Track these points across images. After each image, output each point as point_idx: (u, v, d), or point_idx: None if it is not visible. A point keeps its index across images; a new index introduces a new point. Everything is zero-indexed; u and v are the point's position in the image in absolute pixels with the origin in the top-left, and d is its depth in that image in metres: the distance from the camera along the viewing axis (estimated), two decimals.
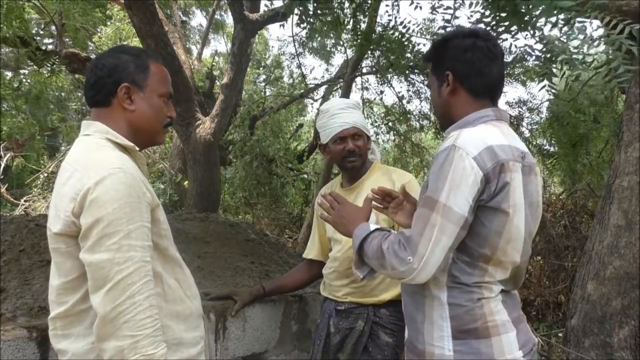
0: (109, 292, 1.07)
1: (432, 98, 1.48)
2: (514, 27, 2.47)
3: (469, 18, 2.68)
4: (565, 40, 2.38)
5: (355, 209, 1.47)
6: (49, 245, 1.21)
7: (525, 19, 2.35)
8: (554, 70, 2.49)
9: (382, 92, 8.23)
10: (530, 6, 2.28)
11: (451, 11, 2.75)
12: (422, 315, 1.32)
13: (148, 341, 1.08)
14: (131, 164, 1.19)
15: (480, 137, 1.24)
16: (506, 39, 2.60)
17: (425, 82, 7.94)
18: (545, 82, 2.46)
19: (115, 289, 1.07)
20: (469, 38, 1.36)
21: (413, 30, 3.64)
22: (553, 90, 2.56)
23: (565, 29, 2.30)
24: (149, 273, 1.12)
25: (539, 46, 2.53)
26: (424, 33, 7.28)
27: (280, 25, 5.14)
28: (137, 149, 1.29)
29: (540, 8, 2.20)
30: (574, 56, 2.36)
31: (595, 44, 2.31)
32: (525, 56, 2.64)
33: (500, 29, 2.51)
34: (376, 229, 1.35)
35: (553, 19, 2.26)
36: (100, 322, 1.07)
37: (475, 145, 1.22)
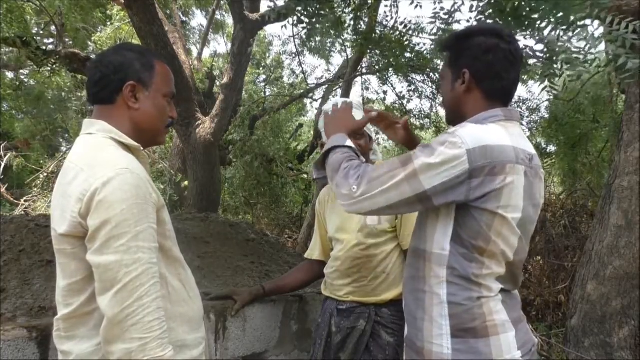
0: (117, 294, 1.06)
1: (444, 90, 1.45)
2: (514, 29, 2.46)
3: (468, 21, 2.68)
4: (566, 41, 2.38)
5: (348, 118, 1.54)
6: (54, 246, 1.19)
7: (527, 21, 2.34)
8: (555, 70, 2.49)
9: (385, 92, 8.23)
10: (529, 9, 2.28)
11: (453, 14, 2.75)
12: (422, 313, 1.32)
13: (156, 343, 1.08)
14: (137, 164, 1.18)
15: (481, 134, 1.24)
16: None
17: (425, 82, 7.94)
18: (547, 82, 2.45)
19: (124, 291, 1.06)
20: (493, 38, 1.32)
21: (413, 30, 3.64)
22: (554, 91, 2.56)
23: (565, 29, 2.29)
24: (156, 275, 1.12)
25: (540, 47, 2.52)
26: (422, 32, 7.28)
27: (283, 27, 5.15)
28: (142, 148, 1.28)
29: (541, 9, 2.20)
30: (575, 56, 2.35)
31: (597, 43, 2.30)
32: (527, 58, 2.62)
33: None
34: (350, 147, 1.41)
35: (553, 20, 2.26)
36: (108, 325, 1.06)
37: (473, 140, 1.21)
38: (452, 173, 1.20)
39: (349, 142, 1.42)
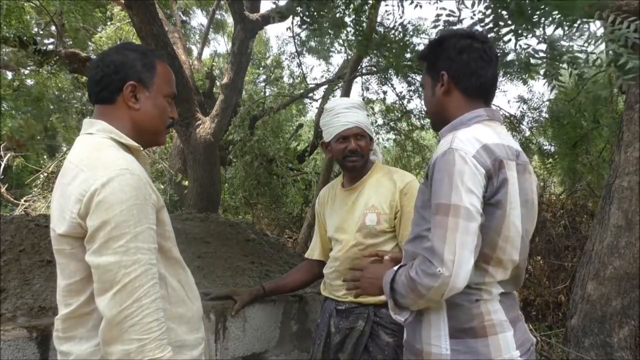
0: (116, 295, 1.06)
1: (425, 97, 1.49)
2: (517, 28, 2.46)
3: (472, 18, 2.67)
4: (568, 40, 2.38)
5: (378, 265, 1.50)
6: (53, 246, 1.19)
7: (531, 19, 2.33)
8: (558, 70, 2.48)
9: (385, 92, 8.22)
10: (531, 8, 2.27)
11: (456, 13, 2.73)
12: (420, 315, 1.33)
13: (155, 345, 1.07)
14: (137, 165, 1.18)
15: (474, 136, 1.26)
16: (509, 40, 2.59)
17: None
18: (554, 82, 2.45)
19: (122, 292, 1.06)
20: (466, 39, 1.37)
21: (414, 31, 3.64)
22: (562, 88, 2.56)
23: (567, 28, 2.29)
24: (155, 276, 1.12)
25: (542, 46, 2.52)
26: (423, 33, 7.28)
27: (287, 28, 5.15)
28: (142, 149, 1.28)
29: (545, 8, 2.20)
30: (577, 55, 2.35)
31: (599, 43, 2.30)
32: (528, 57, 2.61)
33: (503, 30, 2.50)
34: (400, 266, 1.34)
35: (556, 19, 2.25)
36: (107, 326, 1.06)
37: (471, 145, 1.23)
38: (480, 184, 1.21)
39: (394, 269, 1.36)
